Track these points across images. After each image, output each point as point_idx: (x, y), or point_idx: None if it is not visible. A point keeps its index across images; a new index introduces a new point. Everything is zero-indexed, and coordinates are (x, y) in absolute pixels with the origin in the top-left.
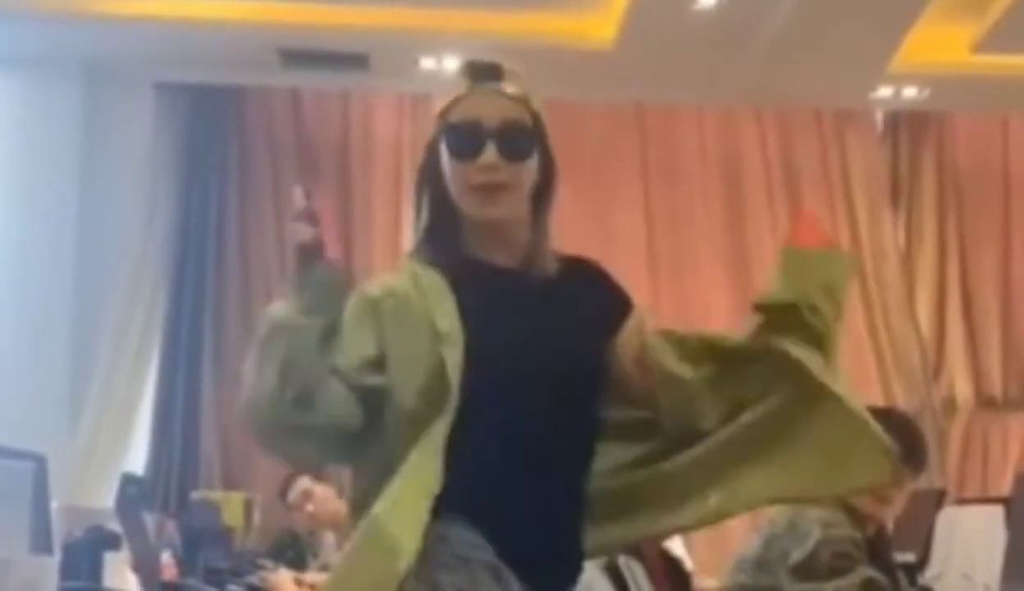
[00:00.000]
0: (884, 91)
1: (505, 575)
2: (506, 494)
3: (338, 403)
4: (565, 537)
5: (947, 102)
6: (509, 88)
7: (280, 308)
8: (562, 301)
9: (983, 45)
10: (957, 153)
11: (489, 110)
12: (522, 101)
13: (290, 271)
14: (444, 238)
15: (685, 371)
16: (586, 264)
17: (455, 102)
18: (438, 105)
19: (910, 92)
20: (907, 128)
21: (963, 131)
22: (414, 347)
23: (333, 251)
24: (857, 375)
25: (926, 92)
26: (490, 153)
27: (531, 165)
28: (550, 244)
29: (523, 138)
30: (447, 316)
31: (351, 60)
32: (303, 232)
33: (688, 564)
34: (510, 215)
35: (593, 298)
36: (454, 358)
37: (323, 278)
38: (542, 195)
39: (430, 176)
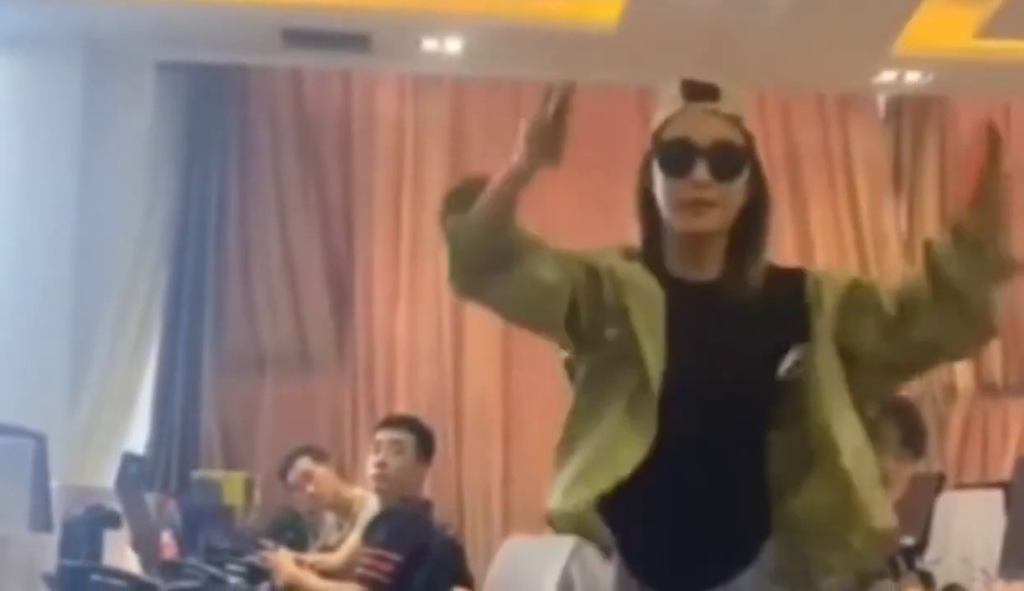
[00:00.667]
0: (887, 76)
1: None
2: (649, 505)
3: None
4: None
5: (950, 87)
6: (723, 108)
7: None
8: (753, 318)
9: (987, 30)
10: (959, 138)
11: (702, 129)
12: (735, 121)
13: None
14: (655, 251)
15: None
16: (795, 272)
17: (669, 120)
18: (653, 122)
19: (913, 77)
20: (910, 113)
21: (966, 116)
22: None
23: None
24: None
25: (929, 77)
26: (701, 171)
27: (740, 184)
28: (761, 260)
29: (733, 158)
30: (654, 335)
31: (353, 41)
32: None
33: None
34: (714, 230)
35: (790, 308)
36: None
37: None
38: (754, 212)
39: (643, 191)
